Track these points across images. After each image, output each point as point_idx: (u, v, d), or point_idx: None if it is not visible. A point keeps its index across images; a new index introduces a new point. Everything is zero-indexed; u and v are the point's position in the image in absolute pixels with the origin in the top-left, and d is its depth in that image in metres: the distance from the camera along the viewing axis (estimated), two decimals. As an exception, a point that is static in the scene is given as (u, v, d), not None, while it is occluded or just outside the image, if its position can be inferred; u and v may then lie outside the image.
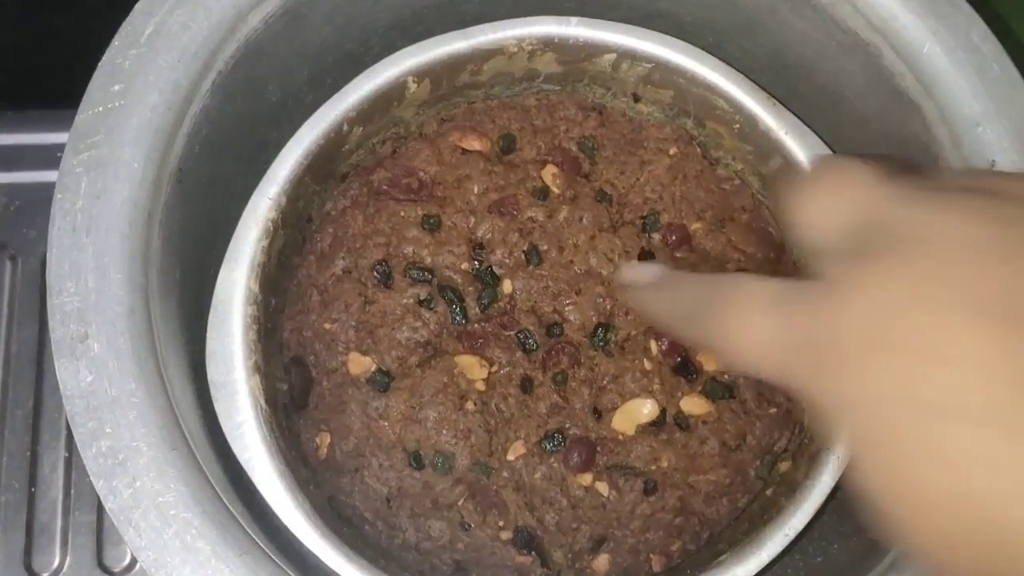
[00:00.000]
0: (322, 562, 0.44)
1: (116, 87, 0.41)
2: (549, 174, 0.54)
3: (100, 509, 0.59)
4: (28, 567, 0.58)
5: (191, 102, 0.43)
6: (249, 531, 0.38)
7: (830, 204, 0.30)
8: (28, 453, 0.59)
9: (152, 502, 0.36)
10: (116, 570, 0.58)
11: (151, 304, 0.40)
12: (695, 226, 0.54)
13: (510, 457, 0.50)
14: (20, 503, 0.58)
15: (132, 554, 0.58)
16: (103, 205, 0.40)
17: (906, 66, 0.47)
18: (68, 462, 0.59)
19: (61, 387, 0.37)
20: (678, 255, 0.53)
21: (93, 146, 0.40)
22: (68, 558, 0.58)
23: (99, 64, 0.41)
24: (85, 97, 0.41)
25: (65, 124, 0.56)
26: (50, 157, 0.62)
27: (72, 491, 0.59)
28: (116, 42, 0.42)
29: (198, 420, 0.43)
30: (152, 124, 0.41)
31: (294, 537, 0.44)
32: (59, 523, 0.58)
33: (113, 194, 0.40)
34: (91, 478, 0.36)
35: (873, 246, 0.27)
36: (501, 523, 0.49)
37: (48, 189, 0.48)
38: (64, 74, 0.53)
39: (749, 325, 0.30)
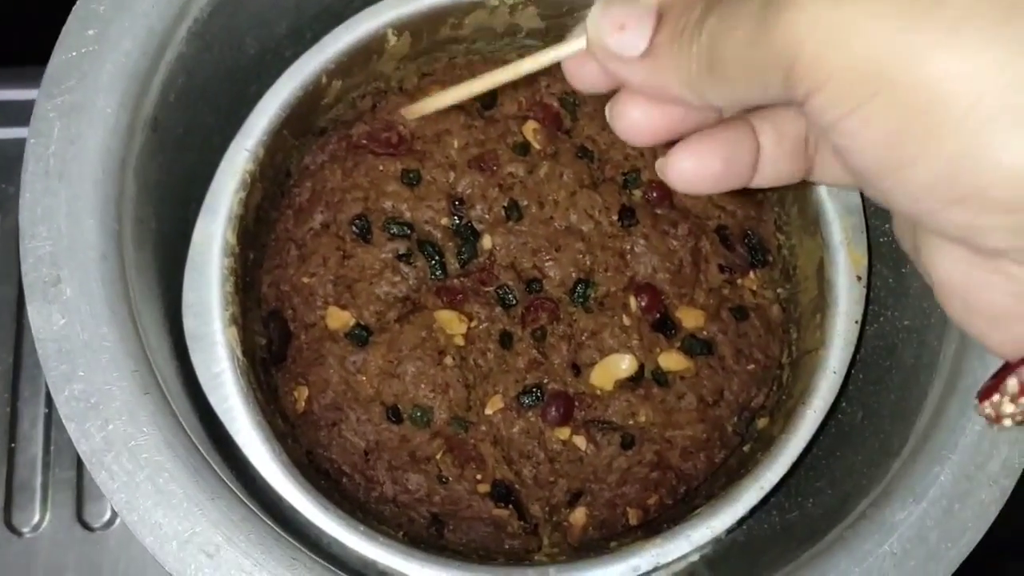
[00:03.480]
0: (298, 512, 0.44)
1: (90, 32, 0.41)
2: (530, 130, 0.53)
3: (80, 465, 0.59)
4: (8, 524, 0.58)
5: (165, 49, 0.43)
6: (222, 475, 0.38)
7: None
8: (8, 409, 0.59)
9: (124, 445, 0.36)
10: (96, 526, 0.58)
11: (124, 251, 0.40)
12: (675, 183, 0.54)
13: (488, 411, 0.50)
14: (0, 460, 0.58)
15: (108, 502, 0.58)
16: (76, 150, 0.39)
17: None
18: (48, 418, 0.59)
19: (33, 330, 0.37)
20: (658, 212, 0.53)
21: (67, 91, 0.40)
22: (48, 514, 0.58)
23: (73, 8, 0.41)
24: (59, 41, 0.41)
25: (39, 80, 0.55)
26: (26, 113, 0.61)
27: (52, 448, 0.59)
28: (90, -12, 0.42)
29: (174, 371, 0.43)
30: (126, 70, 0.41)
31: (270, 488, 0.44)
32: (39, 479, 0.58)
33: (87, 140, 0.40)
34: (63, 421, 0.36)
35: None
36: (479, 477, 0.49)
37: (23, 145, 0.48)
38: (38, 30, 0.53)
39: None
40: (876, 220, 0.51)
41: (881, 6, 0.25)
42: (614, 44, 0.31)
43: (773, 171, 0.36)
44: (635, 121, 0.34)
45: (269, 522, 0.38)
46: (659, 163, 0.35)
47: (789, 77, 0.26)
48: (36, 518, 0.58)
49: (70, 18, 0.41)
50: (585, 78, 0.35)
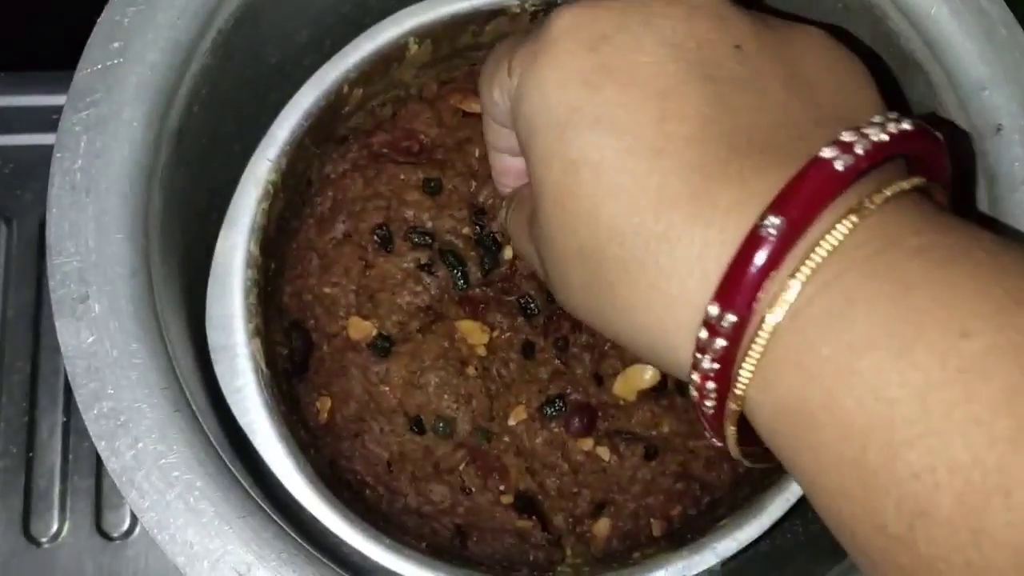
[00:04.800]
0: (323, 525, 0.44)
1: (115, 44, 0.40)
2: (551, 138, 0.53)
3: (98, 474, 0.58)
4: (27, 533, 0.58)
5: (191, 61, 0.42)
6: (252, 493, 0.38)
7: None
8: (25, 418, 0.59)
9: (155, 463, 0.36)
10: (115, 535, 0.58)
11: (152, 266, 0.40)
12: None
13: (511, 422, 0.50)
14: (18, 468, 0.58)
15: (134, 516, 0.58)
16: (103, 164, 0.39)
17: (912, 28, 0.47)
18: (66, 427, 0.59)
19: (62, 348, 0.36)
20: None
21: (92, 104, 0.39)
22: (67, 523, 0.58)
23: (98, 21, 0.41)
24: (84, 54, 0.40)
25: (59, 86, 0.55)
26: (45, 119, 0.61)
27: (70, 456, 0.59)
28: (114, 0, 0.41)
29: (199, 383, 0.43)
30: (152, 82, 0.41)
31: (294, 500, 0.44)
32: (57, 488, 0.58)
33: (113, 153, 0.39)
34: (93, 439, 0.35)
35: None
36: (502, 487, 0.49)
37: (43, 151, 0.47)
38: (57, 36, 0.53)
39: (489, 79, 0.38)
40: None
41: None
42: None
43: None
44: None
45: (299, 539, 0.38)
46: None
47: None
48: (54, 527, 0.58)
49: (95, 31, 0.41)
50: None
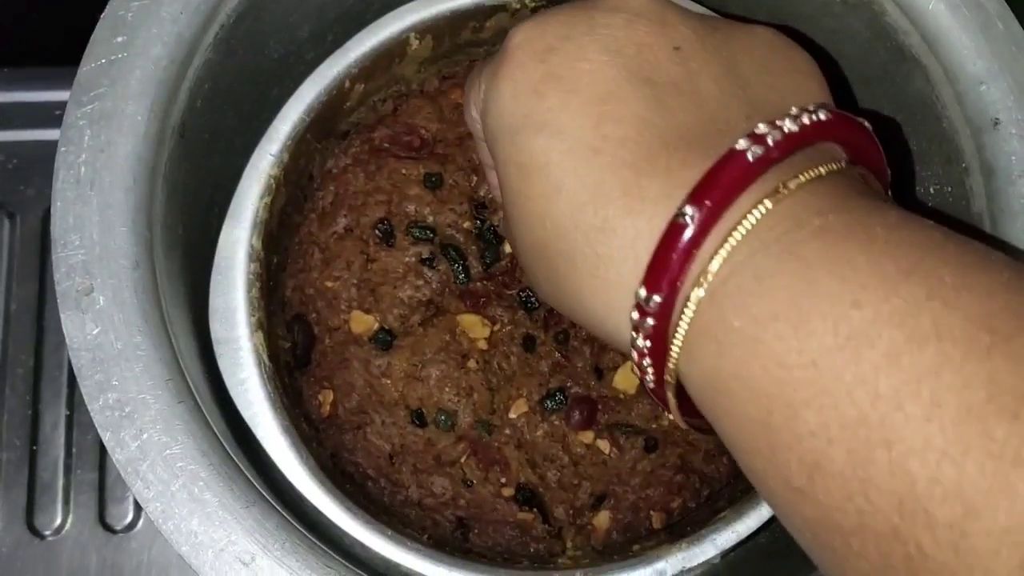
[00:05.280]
0: (325, 517, 0.44)
1: (119, 39, 0.41)
2: (551, 133, 0.53)
3: (102, 467, 0.59)
4: (30, 526, 0.58)
5: (194, 55, 0.43)
6: (255, 483, 0.38)
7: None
8: (29, 412, 0.59)
9: (159, 454, 0.36)
10: (118, 528, 0.58)
11: (155, 259, 0.40)
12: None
13: (512, 415, 0.50)
14: (21, 462, 0.59)
15: (137, 509, 0.58)
16: (107, 158, 0.39)
17: (910, 23, 0.47)
18: (69, 420, 0.59)
19: (67, 340, 0.37)
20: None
21: (96, 99, 0.40)
22: (70, 516, 0.58)
23: (102, 16, 0.41)
24: (88, 49, 0.40)
25: (62, 82, 0.55)
26: (47, 115, 0.61)
27: (74, 449, 0.59)
28: (118, -6, 0.42)
29: (202, 376, 0.43)
30: (155, 77, 0.41)
31: (297, 492, 0.45)
32: (61, 481, 0.59)
33: (117, 147, 0.40)
34: (98, 430, 0.36)
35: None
36: (503, 480, 0.50)
37: (46, 147, 0.48)
38: (60, 32, 0.53)
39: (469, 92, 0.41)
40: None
41: None
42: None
43: None
44: None
45: (303, 529, 0.38)
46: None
47: None
48: (58, 520, 0.58)
49: (99, 25, 0.41)
50: None
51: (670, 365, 0.31)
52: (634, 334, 0.31)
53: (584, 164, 0.32)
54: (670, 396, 0.32)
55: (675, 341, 0.30)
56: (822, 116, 0.31)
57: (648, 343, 0.31)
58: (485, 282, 0.52)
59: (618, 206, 0.31)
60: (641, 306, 0.30)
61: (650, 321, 0.30)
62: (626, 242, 0.31)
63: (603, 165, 0.31)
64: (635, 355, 0.32)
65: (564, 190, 0.32)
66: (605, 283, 0.32)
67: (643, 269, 0.30)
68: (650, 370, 0.32)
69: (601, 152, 0.32)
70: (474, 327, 0.51)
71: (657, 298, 0.30)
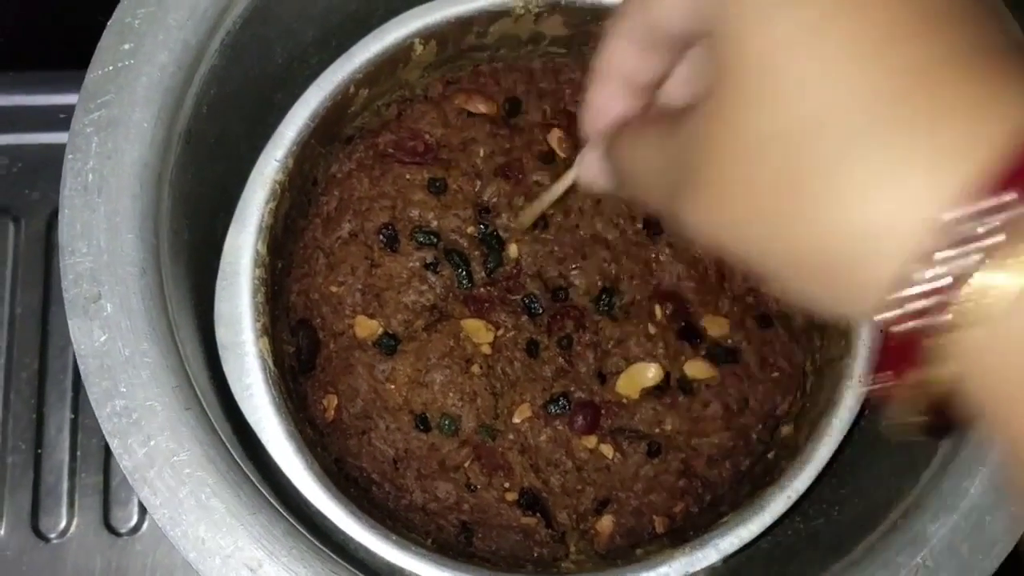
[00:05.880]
0: (331, 522, 0.44)
1: (126, 46, 0.41)
2: (555, 138, 0.54)
3: (106, 471, 0.59)
4: (35, 529, 0.58)
5: (200, 62, 0.43)
6: (262, 490, 0.38)
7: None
8: (34, 415, 0.59)
9: (167, 461, 0.37)
10: (122, 531, 0.59)
11: (162, 265, 0.40)
12: (700, 191, 0.54)
13: (516, 420, 0.50)
14: (26, 465, 0.59)
15: (141, 513, 0.58)
16: (114, 165, 0.40)
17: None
18: (74, 424, 0.59)
19: (75, 347, 0.37)
20: (683, 220, 0.53)
21: (103, 106, 0.40)
22: (75, 519, 0.58)
23: (109, 22, 0.41)
24: (95, 56, 0.41)
25: (66, 85, 0.56)
26: (52, 118, 0.61)
27: (78, 453, 0.59)
28: (124, 1, 0.42)
29: (209, 381, 0.44)
30: (162, 84, 0.41)
31: (302, 497, 0.45)
32: (65, 485, 0.59)
33: (124, 154, 0.40)
34: (106, 437, 0.36)
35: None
36: (507, 485, 0.50)
37: (50, 151, 0.48)
38: (65, 36, 0.53)
39: None
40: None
41: None
42: (594, 187, 0.40)
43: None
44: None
45: (309, 535, 0.38)
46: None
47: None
48: (63, 523, 0.58)
49: (106, 32, 0.41)
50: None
51: (960, 318, 0.23)
52: (923, 268, 0.24)
53: (872, 50, 0.25)
54: (931, 365, 0.24)
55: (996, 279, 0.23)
56: None
57: (946, 280, 0.23)
58: (488, 287, 0.52)
59: (919, 108, 0.24)
60: (960, 229, 0.23)
61: (969, 251, 0.23)
62: (924, 153, 0.24)
63: (901, 54, 0.25)
64: (908, 294, 0.24)
65: (842, 75, 0.25)
66: (885, 197, 0.24)
67: (951, 188, 0.23)
68: (920, 319, 0.24)
69: (897, 40, 0.25)
70: (478, 332, 0.51)
71: (995, 219, 0.23)
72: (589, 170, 0.39)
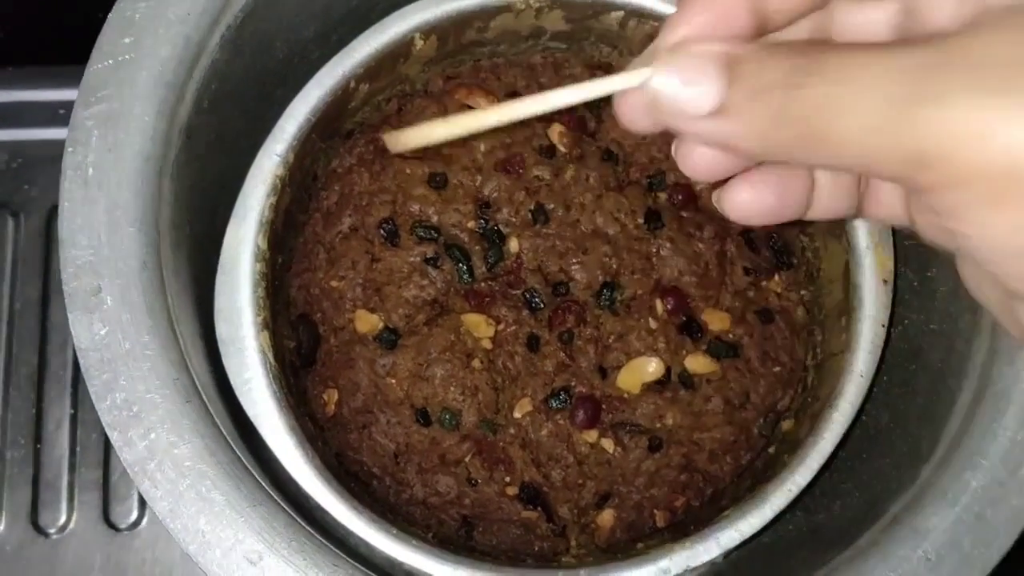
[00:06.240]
0: (331, 516, 0.44)
1: (126, 40, 0.41)
2: (555, 132, 0.54)
3: (106, 466, 0.59)
4: (35, 524, 0.58)
5: (201, 56, 0.43)
6: (262, 483, 0.38)
7: None
8: (33, 410, 0.59)
9: (167, 454, 0.37)
10: (122, 526, 0.58)
11: (163, 259, 0.40)
12: (701, 185, 0.54)
13: (517, 414, 0.50)
14: (26, 460, 0.59)
15: (141, 508, 0.58)
16: (114, 159, 0.39)
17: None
18: (74, 419, 0.59)
19: (75, 340, 0.37)
20: (684, 214, 0.53)
21: (104, 99, 0.40)
22: (75, 514, 0.58)
23: (109, 16, 0.41)
24: (95, 49, 0.41)
25: (65, 81, 0.56)
26: (51, 114, 0.61)
27: (78, 448, 0.59)
28: (124, -5, 0.42)
29: (209, 375, 0.44)
30: (162, 78, 0.41)
31: (303, 491, 0.45)
32: (65, 480, 0.59)
33: (124, 148, 0.40)
34: (106, 430, 0.36)
35: None
36: (508, 479, 0.50)
37: (49, 146, 0.48)
38: (64, 31, 0.53)
39: None
40: (902, 224, 0.51)
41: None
42: (681, 100, 0.29)
43: (827, 206, 0.35)
44: (699, 163, 0.33)
45: (309, 528, 0.38)
46: (716, 196, 0.34)
47: (914, 168, 0.26)
48: (62, 519, 0.58)
49: (106, 25, 0.41)
50: (639, 122, 0.31)
51: None
52: None
53: None
54: None
55: None
56: None
57: None
58: (489, 282, 0.52)
59: None
60: None
61: None
62: None
63: None
64: None
65: None
66: None
67: None
68: None
69: None
70: (478, 327, 0.51)
71: None
72: (669, 94, 0.29)
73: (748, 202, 0.33)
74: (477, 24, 0.52)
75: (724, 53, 0.28)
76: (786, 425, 0.52)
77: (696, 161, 0.32)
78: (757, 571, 0.50)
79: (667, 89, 0.29)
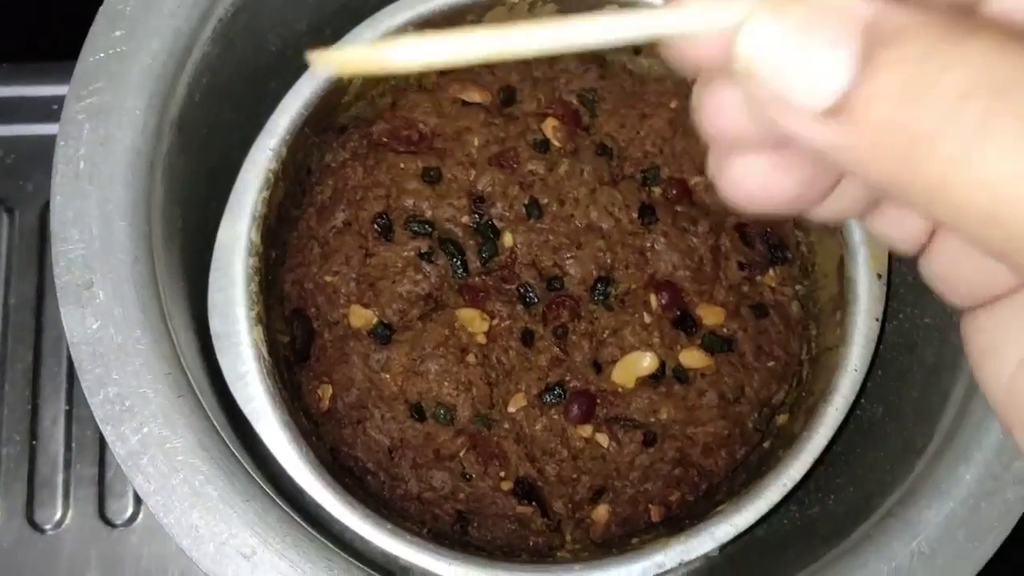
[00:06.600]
0: (325, 511, 0.44)
1: (117, 33, 0.41)
2: (549, 127, 0.53)
3: (101, 462, 0.59)
4: (30, 520, 0.58)
5: (192, 49, 0.43)
6: (255, 477, 0.38)
7: None
8: (28, 407, 0.59)
9: (160, 448, 0.36)
10: (118, 523, 0.58)
11: (155, 253, 0.40)
12: (695, 180, 0.54)
13: (511, 409, 0.50)
14: (21, 456, 0.59)
15: (136, 504, 0.58)
16: (106, 152, 0.39)
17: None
18: (69, 415, 0.59)
19: (67, 334, 0.37)
20: (678, 209, 0.53)
21: (95, 92, 0.40)
22: (70, 511, 0.58)
23: (100, 9, 0.41)
24: (87, 42, 0.40)
25: (60, 76, 0.55)
26: (46, 109, 0.61)
27: (73, 444, 0.59)
28: (116, -12, 0.42)
29: (202, 370, 0.44)
30: (154, 71, 0.41)
31: (297, 486, 0.45)
32: (60, 476, 0.59)
33: (116, 141, 0.40)
34: (99, 424, 0.36)
35: None
36: (502, 474, 0.50)
37: (44, 142, 0.48)
38: (58, 27, 0.53)
39: None
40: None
41: None
42: (796, 75, 0.18)
43: (839, 207, 0.25)
44: (758, 188, 0.22)
45: (302, 523, 0.38)
46: (711, 167, 0.24)
47: None
48: (58, 515, 0.58)
49: (97, 18, 0.41)
50: (724, 114, 0.21)
51: None
52: None
53: None
54: None
55: None
56: None
57: None
58: (483, 277, 0.52)
59: None
60: None
61: None
62: None
63: None
64: None
65: None
66: None
67: None
68: None
69: None
70: (473, 321, 0.51)
71: None
72: (774, 61, 0.18)
73: (760, 184, 0.23)
74: (470, 18, 0.52)
75: (872, 12, 0.17)
76: (780, 419, 0.52)
77: (750, 186, 0.22)
78: (752, 565, 0.50)
79: (773, 52, 0.17)
